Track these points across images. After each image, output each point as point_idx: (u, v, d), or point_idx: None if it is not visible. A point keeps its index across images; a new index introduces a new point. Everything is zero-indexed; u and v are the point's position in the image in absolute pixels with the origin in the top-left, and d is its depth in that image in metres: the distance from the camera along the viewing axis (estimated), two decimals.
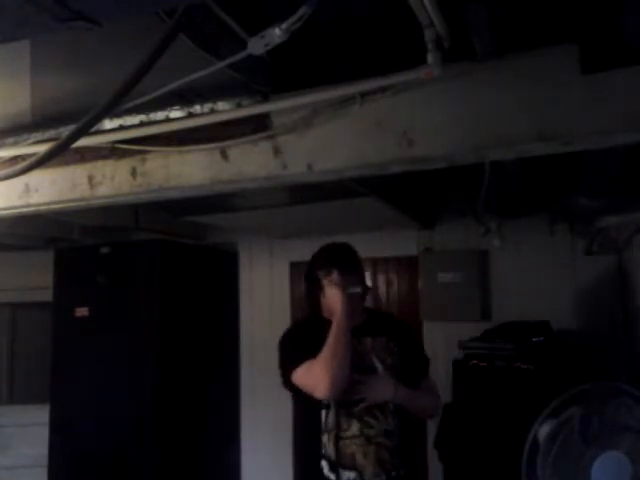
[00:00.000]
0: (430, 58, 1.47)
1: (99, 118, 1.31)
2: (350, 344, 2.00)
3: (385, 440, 2.03)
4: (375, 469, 2.00)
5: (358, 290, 2.12)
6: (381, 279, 4.28)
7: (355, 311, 2.10)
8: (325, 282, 2.12)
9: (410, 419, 2.16)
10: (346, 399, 2.01)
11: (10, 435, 4.49)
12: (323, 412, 2.05)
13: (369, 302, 2.44)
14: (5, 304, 5.07)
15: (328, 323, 2.05)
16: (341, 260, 2.15)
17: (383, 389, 2.04)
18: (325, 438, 2.04)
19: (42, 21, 0.96)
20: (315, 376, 1.98)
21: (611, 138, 1.58)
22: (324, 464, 2.04)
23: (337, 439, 2.02)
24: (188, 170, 2.00)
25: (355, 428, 2.02)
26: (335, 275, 2.11)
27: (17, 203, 2.28)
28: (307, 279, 2.23)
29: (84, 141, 1.84)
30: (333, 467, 2.03)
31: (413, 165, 1.76)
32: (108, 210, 3.39)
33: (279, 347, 2.19)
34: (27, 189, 2.25)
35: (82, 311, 3.83)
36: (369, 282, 2.36)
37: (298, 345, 2.13)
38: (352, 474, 2.01)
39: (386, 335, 2.14)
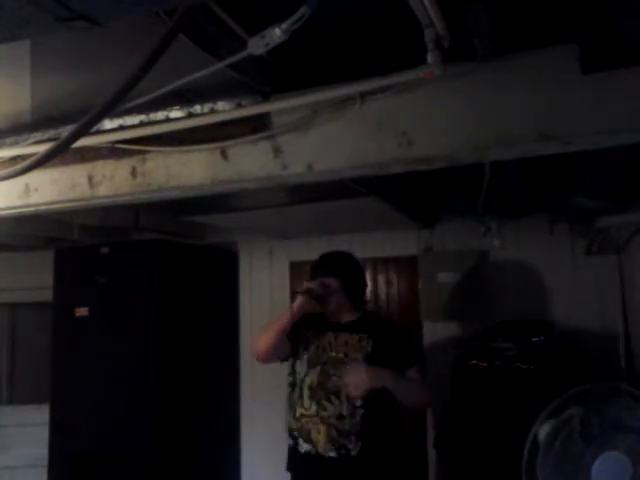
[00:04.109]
0: (430, 58, 1.47)
1: (99, 118, 1.31)
2: (285, 326, 2.38)
3: (337, 422, 2.32)
4: (326, 445, 2.33)
5: (314, 287, 2.40)
6: (381, 279, 4.28)
7: (334, 306, 2.46)
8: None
9: (386, 411, 2.38)
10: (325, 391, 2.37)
11: (10, 435, 4.47)
12: (289, 389, 2.49)
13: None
14: (5, 304, 5.06)
15: (322, 316, 2.51)
16: (319, 265, 2.52)
17: (357, 380, 2.26)
18: (290, 412, 2.48)
19: (42, 21, 0.96)
20: (257, 341, 2.52)
21: (611, 138, 1.58)
22: (289, 434, 2.49)
23: (301, 416, 2.40)
24: (188, 170, 2.00)
25: (314, 409, 2.37)
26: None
27: (17, 203, 2.28)
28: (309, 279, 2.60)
29: (84, 141, 1.84)
30: (294, 437, 2.45)
31: (413, 165, 1.76)
32: (108, 210, 3.39)
33: None
34: (27, 189, 2.25)
35: (82, 311, 3.82)
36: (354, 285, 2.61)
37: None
38: (309, 446, 2.38)
39: (365, 333, 2.40)
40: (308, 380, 2.40)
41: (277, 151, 1.87)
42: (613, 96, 1.51)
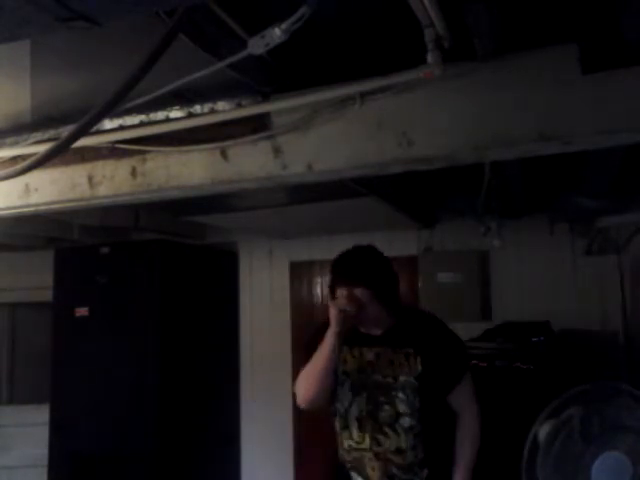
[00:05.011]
0: (430, 58, 1.47)
1: (99, 118, 1.31)
2: (331, 361, 2.00)
3: (396, 457, 2.01)
4: None
5: (348, 309, 1.98)
6: None
7: (369, 320, 2.06)
8: (337, 293, 2.06)
9: (445, 428, 2.08)
10: None
11: (10, 435, 4.48)
12: (335, 419, 2.13)
13: None
14: (5, 304, 5.06)
15: (354, 330, 2.08)
16: (346, 273, 2.05)
17: None
18: (339, 440, 2.13)
19: (42, 21, 0.96)
20: (297, 385, 2.10)
21: (611, 138, 1.58)
22: (341, 463, 2.13)
23: (350, 448, 2.08)
24: (188, 170, 2.00)
25: (367, 442, 2.04)
26: (338, 291, 2.04)
27: (17, 203, 2.28)
28: (330, 283, 2.15)
29: (84, 141, 1.84)
30: (347, 468, 2.10)
31: (413, 165, 1.76)
32: (108, 210, 3.39)
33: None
34: (27, 189, 2.25)
35: (82, 311, 3.82)
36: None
37: (311, 349, 2.13)
38: None
39: (411, 346, 2.04)
40: (355, 410, 2.07)
41: (277, 151, 1.86)
42: (613, 96, 1.51)
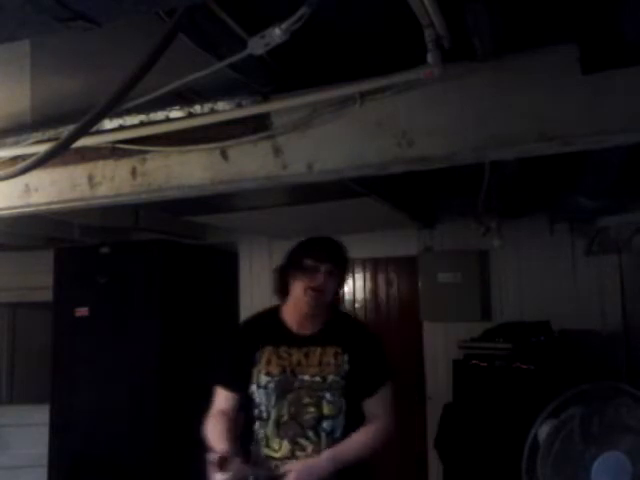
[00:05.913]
0: (430, 58, 1.47)
1: (99, 118, 1.31)
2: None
3: None
4: None
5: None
6: (381, 279, 4.28)
7: (317, 308, 2.01)
8: (309, 275, 2.02)
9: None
10: None
11: (10, 435, 4.48)
12: (257, 423, 1.99)
13: None
14: (5, 304, 5.06)
15: (280, 326, 2.05)
16: (329, 255, 2.04)
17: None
18: (254, 449, 1.98)
19: (42, 21, 0.96)
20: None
21: (611, 138, 1.58)
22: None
23: (267, 459, 1.94)
24: (188, 170, 2.00)
25: (286, 449, 1.91)
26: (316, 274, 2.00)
27: (17, 203, 2.28)
28: (290, 265, 2.15)
29: (84, 141, 1.84)
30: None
31: (413, 165, 1.76)
32: (108, 210, 3.39)
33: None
34: (27, 189, 2.25)
35: (82, 311, 3.82)
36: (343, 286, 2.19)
37: (227, 353, 2.24)
38: None
39: (339, 345, 1.98)
40: (275, 414, 1.94)
41: (277, 151, 1.87)
42: (613, 96, 1.51)
